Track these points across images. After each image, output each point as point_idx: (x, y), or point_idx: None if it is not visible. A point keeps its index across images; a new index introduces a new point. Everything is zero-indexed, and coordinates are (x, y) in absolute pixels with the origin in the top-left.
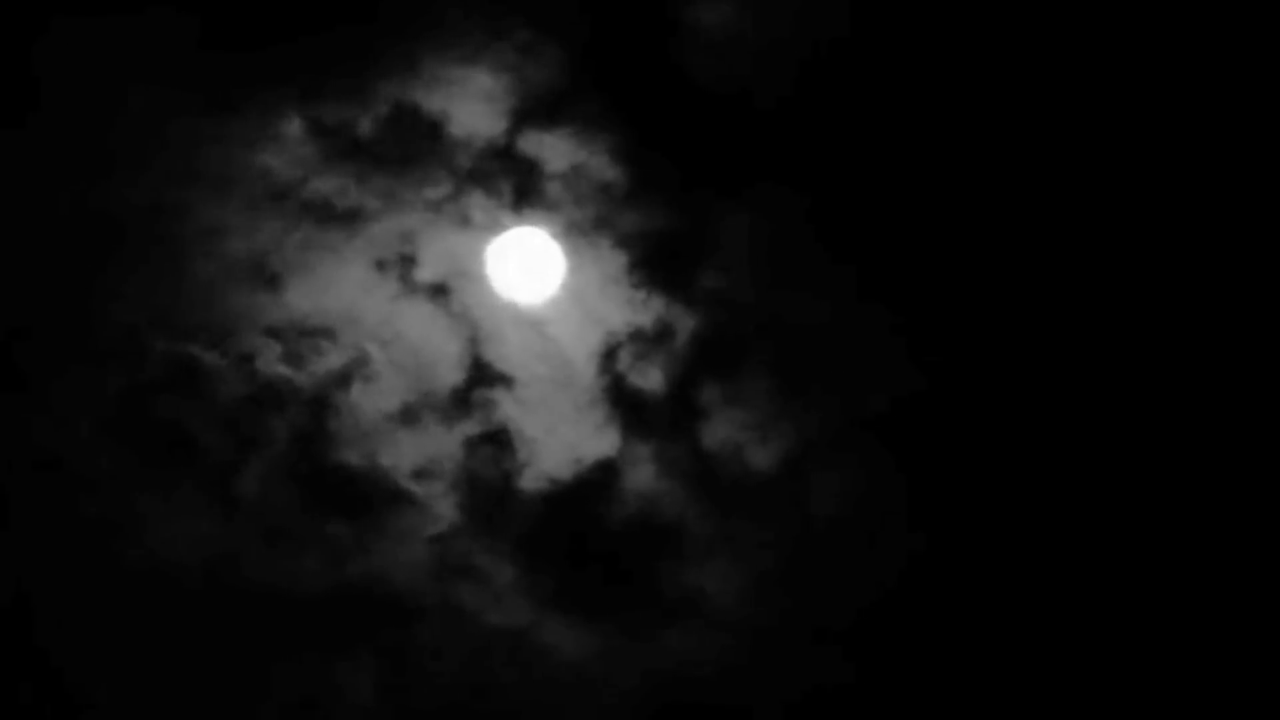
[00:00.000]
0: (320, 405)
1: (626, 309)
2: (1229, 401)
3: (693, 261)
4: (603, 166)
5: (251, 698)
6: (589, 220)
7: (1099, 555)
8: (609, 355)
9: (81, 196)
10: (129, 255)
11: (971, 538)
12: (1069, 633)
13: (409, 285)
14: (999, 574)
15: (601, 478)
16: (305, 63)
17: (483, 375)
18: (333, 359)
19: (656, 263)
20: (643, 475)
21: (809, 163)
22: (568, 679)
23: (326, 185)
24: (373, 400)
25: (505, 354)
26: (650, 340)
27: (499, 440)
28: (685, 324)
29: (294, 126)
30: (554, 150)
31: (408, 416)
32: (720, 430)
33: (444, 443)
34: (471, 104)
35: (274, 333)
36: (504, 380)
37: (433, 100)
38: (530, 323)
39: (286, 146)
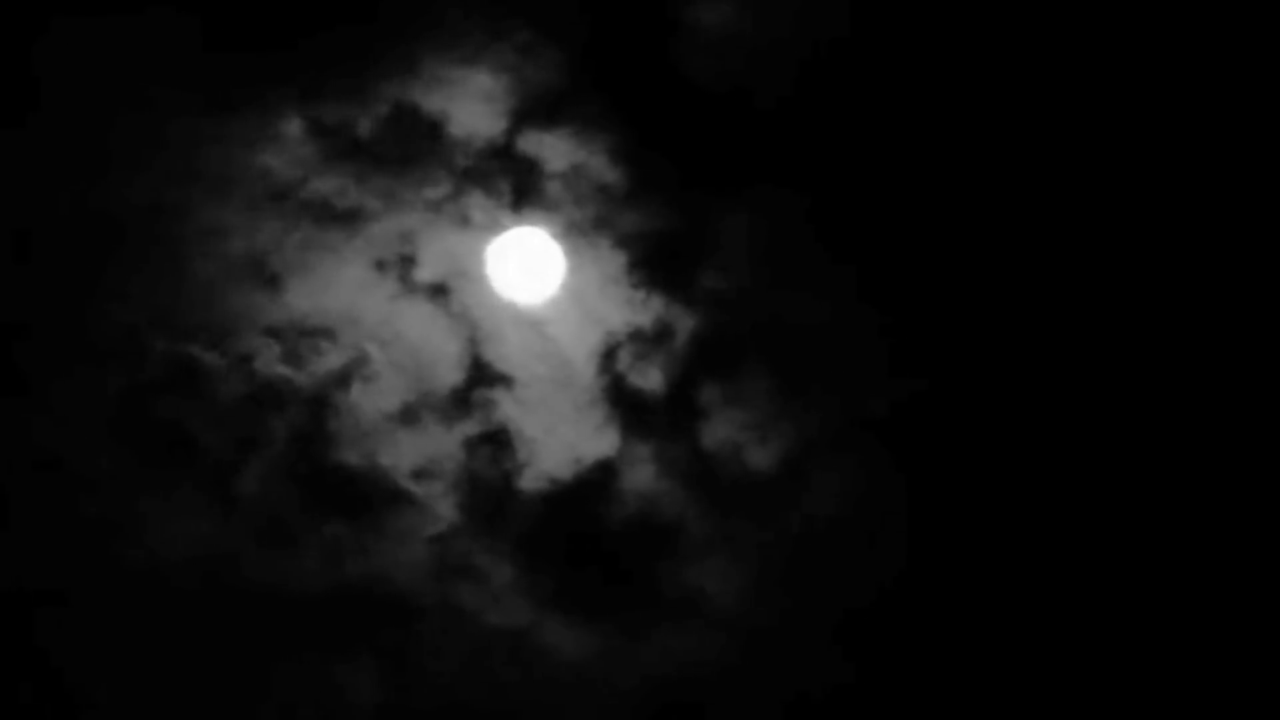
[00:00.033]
0: (320, 405)
1: (626, 309)
2: (1228, 399)
3: (692, 261)
4: (602, 166)
5: (251, 698)
6: (588, 220)
7: (1099, 556)
8: (609, 355)
9: (81, 196)
10: (129, 255)
11: (971, 538)
12: (1069, 632)
13: (409, 285)
14: (999, 574)
15: (601, 478)
16: (305, 63)
17: (482, 375)
18: (332, 359)
19: (656, 263)
20: (642, 475)
21: (808, 163)
22: (567, 679)
23: (326, 185)
24: (372, 400)
25: (505, 354)
26: (650, 340)
27: (499, 440)
28: (685, 324)
29: (294, 126)
30: (553, 150)
31: (407, 416)
32: (720, 430)
33: (444, 443)
34: (471, 104)
35: (274, 333)
36: (504, 380)
37: (432, 100)
38: (530, 323)
39: (286, 146)
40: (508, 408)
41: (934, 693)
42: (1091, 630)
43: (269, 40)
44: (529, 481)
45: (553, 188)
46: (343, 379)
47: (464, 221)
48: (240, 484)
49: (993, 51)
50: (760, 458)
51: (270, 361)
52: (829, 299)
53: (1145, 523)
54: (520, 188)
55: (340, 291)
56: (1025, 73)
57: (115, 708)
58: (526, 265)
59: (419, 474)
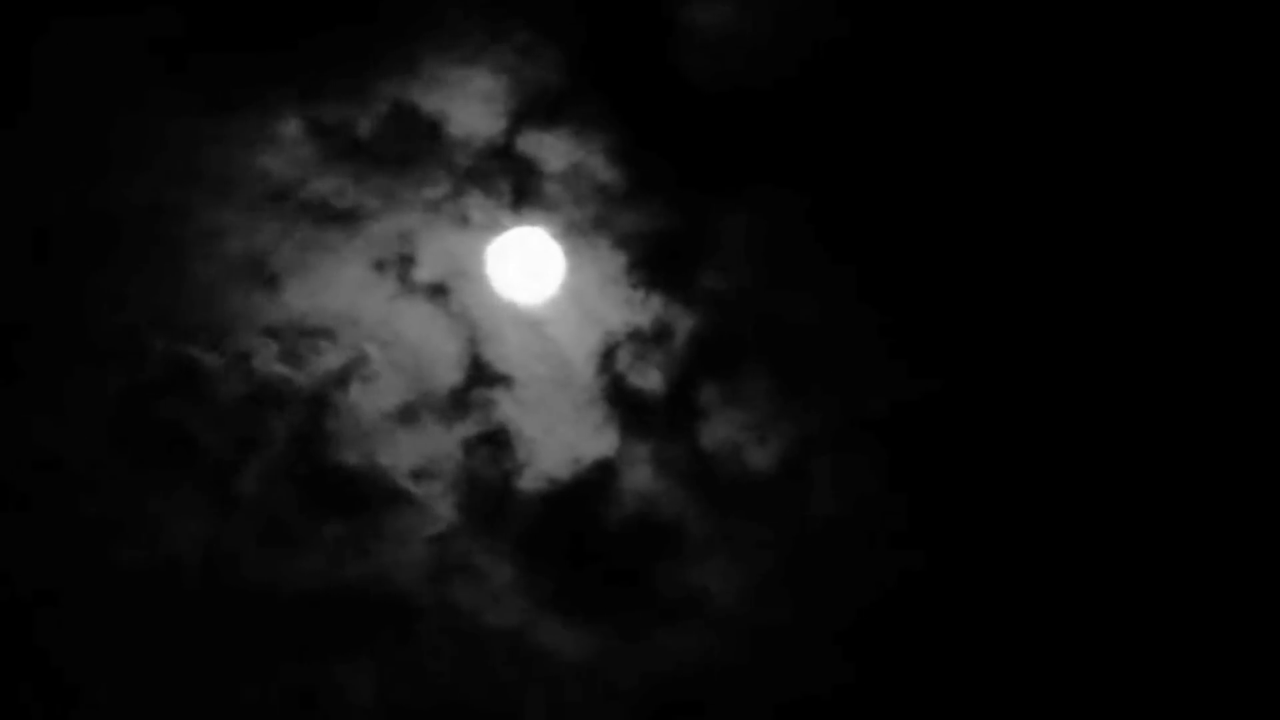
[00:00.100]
0: (319, 405)
1: (625, 309)
2: (1234, 400)
3: (691, 261)
4: (601, 166)
5: (251, 698)
6: (588, 220)
7: (1099, 556)
8: (608, 355)
9: (81, 196)
10: (129, 255)
11: (972, 538)
12: (1069, 632)
13: (408, 285)
14: (999, 574)
15: (600, 478)
16: (305, 63)
17: (482, 375)
18: (331, 359)
19: (655, 263)
20: (641, 475)
21: (808, 163)
22: (567, 679)
23: (325, 185)
24: (371, 400)
25: (504, 354)
26: (649, 340)
27: (498, 440)
28: (684, 324)
29: (293, 127)
30: (553, 150)
31: (406, 416)
32: (719, 430)
33: (443, 443)
34: (471, 104)
35: (273, 333)
36: (503, 380)
37: (432, 100)
38: (529, 323)
39: (285, 147)
40: (507, 408)
41: (935, 693)
42: (1093, 630)
43: (268, 40)
44: (528, 481)
45: (552, 188)
46: (342, 379)
47: (463, 221)
48: (240, 484)
49: (993, 51)
50: (760, 458)
51: (269, 361)
52: (829, 299)
53: (1148, 523)
54: (520, 188)
55: (339, 291)
56: (1026, 72)
57: (115, 708)
58: (526, 265)
59: (418, 474)
